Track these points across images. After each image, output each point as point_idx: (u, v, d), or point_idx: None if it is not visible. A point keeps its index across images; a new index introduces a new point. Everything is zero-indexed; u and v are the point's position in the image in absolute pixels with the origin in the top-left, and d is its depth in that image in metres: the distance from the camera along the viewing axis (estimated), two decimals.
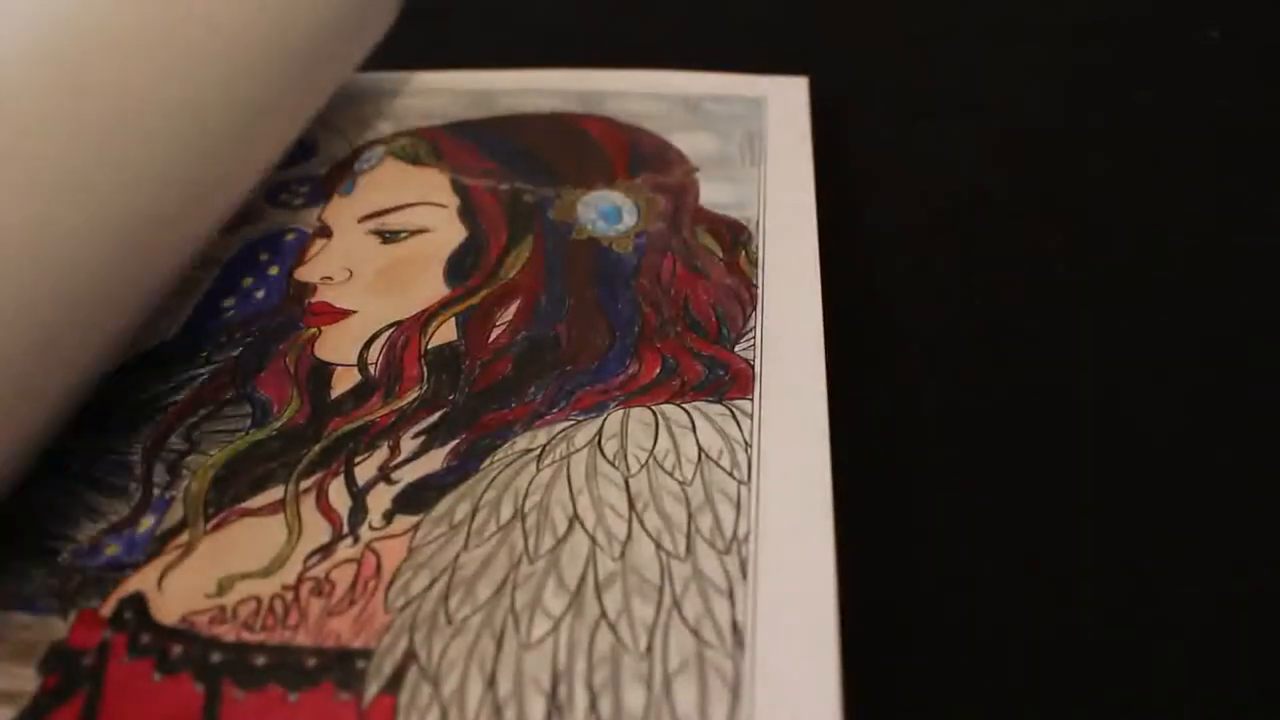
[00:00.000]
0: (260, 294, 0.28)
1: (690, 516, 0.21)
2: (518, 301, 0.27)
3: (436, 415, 0.24)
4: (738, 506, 0.21)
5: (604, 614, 0.19)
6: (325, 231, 0.30)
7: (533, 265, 0.28)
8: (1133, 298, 0.28)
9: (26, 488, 0.23)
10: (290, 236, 0.30)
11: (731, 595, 0.20)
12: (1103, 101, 0.37)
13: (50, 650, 0.20)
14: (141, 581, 0.21)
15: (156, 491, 0.23)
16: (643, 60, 0.37)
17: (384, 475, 0.22)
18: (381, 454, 0.23)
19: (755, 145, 0.32)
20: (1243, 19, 0.41)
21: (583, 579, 0.20)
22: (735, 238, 0.29)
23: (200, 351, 0.26)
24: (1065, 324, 0.27)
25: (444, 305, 0.27)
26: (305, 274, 0.28)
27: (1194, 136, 0.35)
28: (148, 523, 0.22)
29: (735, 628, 0.19)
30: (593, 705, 0.18)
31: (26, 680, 0.19)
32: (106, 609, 0.20)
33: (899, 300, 0.28)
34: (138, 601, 0.20)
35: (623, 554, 0.20)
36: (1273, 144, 0.34)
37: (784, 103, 0.34)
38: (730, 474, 0.22)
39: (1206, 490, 0.23)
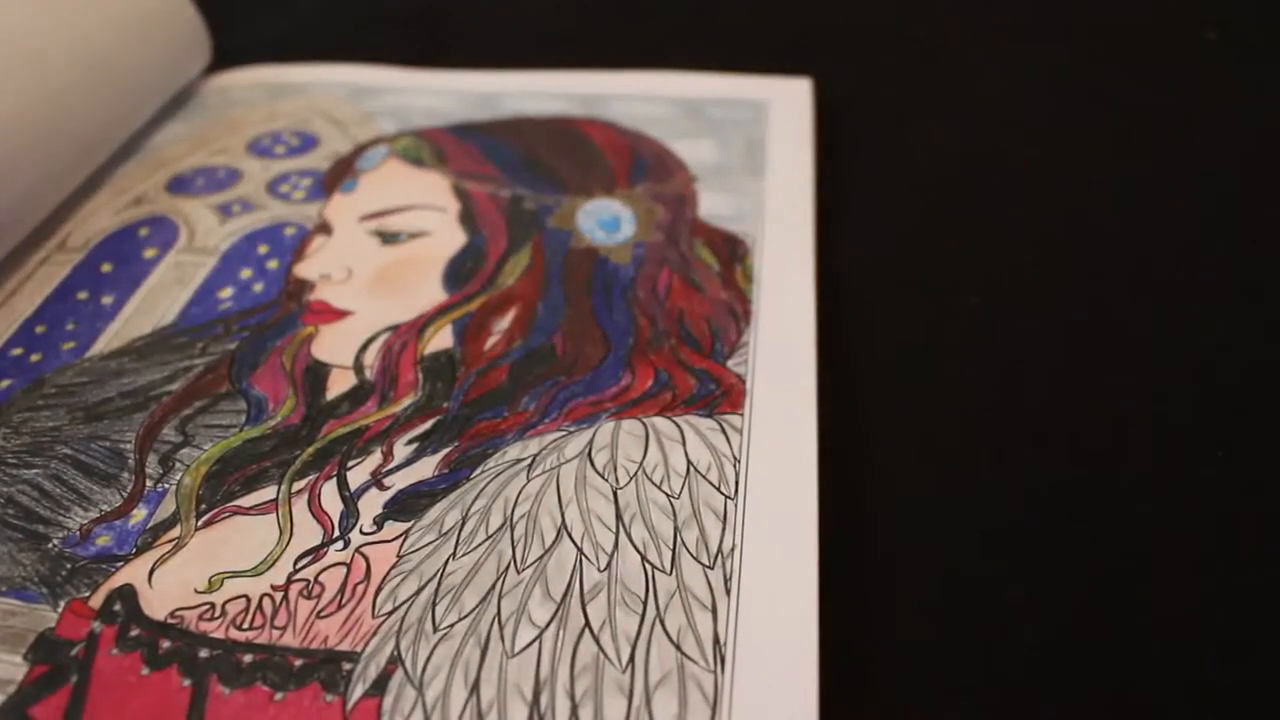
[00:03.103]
0: (258, 287, 0.28)
1: (677, 530, 0.21)
2: (515, 310, 0.27)
3: (430, 423, 0.24)
4: (724, 521, 0.22)
5: (588, 625, 0.20)
6: (325, 228, 0.30)
7: (531, 273, 0.28)
8: (1136, 302, 0.28)
9: (18, 468, 0.23)
10: (290, 231, 0.30)
11: (714, 610, 0.20)
12: (1102, 102, 0.37)
13: (39, 639, 0.20)
14: (132, 574, 0.21)
15: (149, 483, 0.23)
16: (646, 57, 0.38)
17: (376, 481, 0.23)
18: (374, 459, 0.23)
19: (756, 155, 0.33)
20: (1241, 20, 0.41)
21: (568, 589, 0.20)
22: (732, 251, 0.29)
23: (196, 342, 0.26)
24: (1067, 335, 0.27)
25: (441, 311, 0.27)
26: (304, 270, 0.28)
27: (1193, 135, 0.35)
28: (140, 515, 0.22)
29: (717, 642, 0.19)
30: (574, 714, 0.18)
31: (14, 668, 0.20)
32: (96, 600, 0.21)
33: (893, 314, 0.29)
34: (128, 594, 0.21)
35: (609, 565, 0.21)
36: (1272, 143, 0.34)
37: (787, 107, 0.35)
38: (718, 488, 0.22)
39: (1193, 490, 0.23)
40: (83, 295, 0.28)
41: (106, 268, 0.29)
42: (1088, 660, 0.20)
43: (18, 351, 0.26)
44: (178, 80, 0.35)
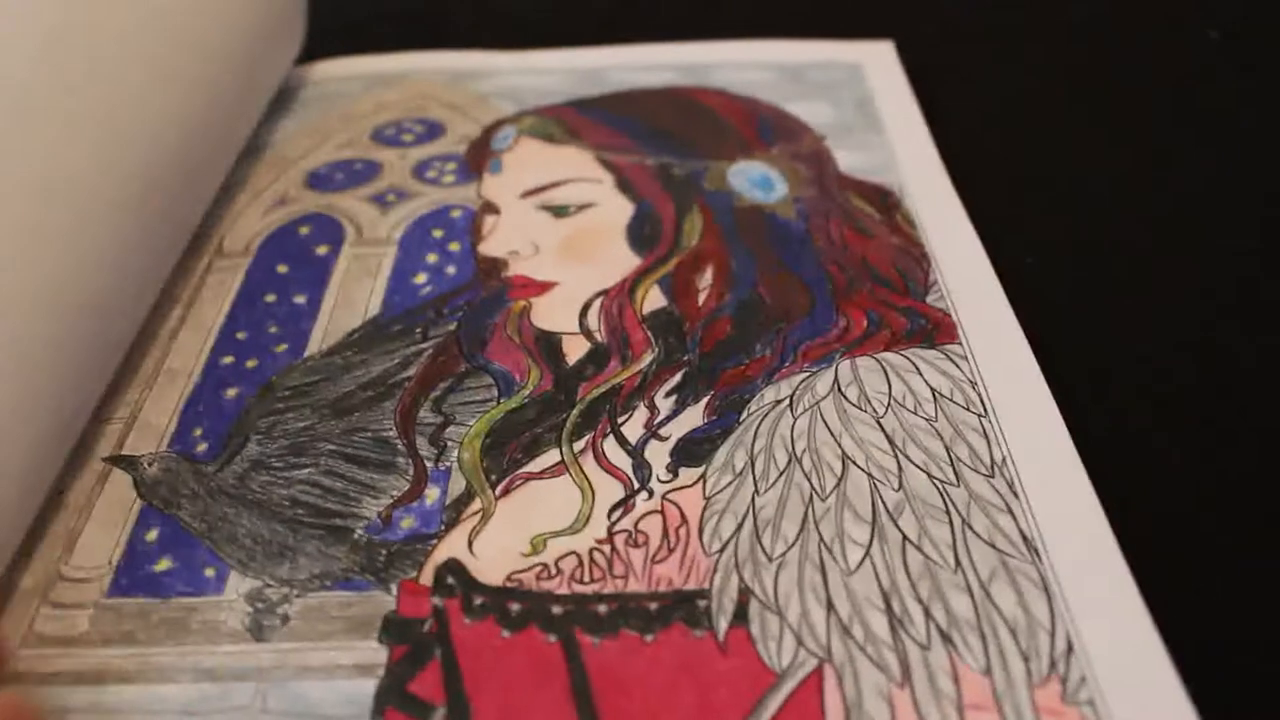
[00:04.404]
0: (451, 270, 0.28)
1: (948, 447, 0.23)
2: (710, 266, 0.28)
3: (679, 375, 0.25)
4: (985, 436, 0.23)
5: (906, 538, 0.21)
6: (492, 208, 0.30)
7: (710, 232, 0.29)
8: (1138, 300, 0.29)
9: (283, 469, 0.23)
10: (456, 214, 0.30)
11: (1011, 511, 0.22)
12: (1103, 101, 0.38)
13: (386, 622, 0.20)
14: (450, 549, 0.21)
15: (429, 464, 0.23)
16: (666, 33, 0.38)
17: (653, 433, 0.23)
18: (641, 414, 0.24)
19: (869, 112, 0.34)
20: (1243, 19, 0.42)
21: (874, 509, 0.22)
22: (884, 200, 0.31)
23: (414, 327, 0.26)
24: (1072, 335, 0.27)
25: (643, 273, 0.28)
26: (490, 249, 0.29)
27: (1195, 134, 0.36)
28: (434, 494, 0.22)
29: (1025, 539, 0.21)
30: (928, 616, 0.20)
31: (374, 652, 0.20)
32: (425, 577, 0.21)
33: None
34: (455, 567, 0.21)
35: (901, 485, 0.22)
36: (1272, 143, 0.36)
37: (879, 67, 0.37)
38: (968, 409, 0.24)
39: None
40: (271, 297, 0.27)
41: (283, 268, 0.28)
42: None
43: (229, 360, 0.26)
44: (284, 65, 0.34)
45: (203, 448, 0.23)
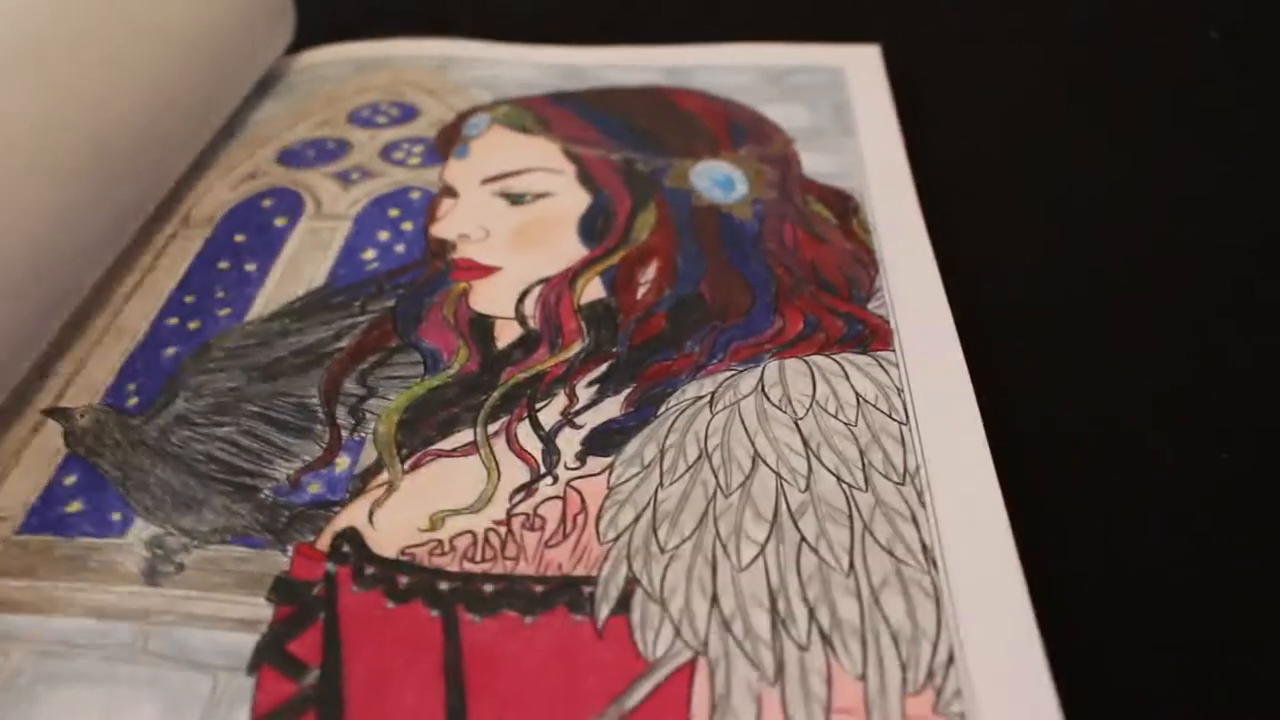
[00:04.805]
0: (400, 248, 0.28)
1: (862, 453, 0.23)
2: (656, 262, 0.28)
3: (604, 366, 0.25)
4: (903, 444, 0.23)
5: (804, 539, 0.21)
6: (450, 191, 0.31)
7: (662, 229, 0.29)
8: (1136, 300, 0.29)
9: (205, 426, 0.23)
10: (415, 195, 0.31)
11: (915, 520, 0.21)
12: (1101, 102, 0.38)
13: (278, 581, 0.20)
14: (351, 517, 0.22)
15: (345, 433, 0.23)
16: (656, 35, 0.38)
17: (568, 420, 0.24)
18: (560, 401, 0.24)
19: (844, 116, 0.34)
20: (1243, 19, 0.42)
21: (777, 509, 0.22)
22: (844, 205, 0.30)
23: (354, 300, 0.27)
24: (1068, 340, 0.27)
25: (587, 264, 0.28)
26: (441, 231, 0.29)
27: (1195, 133, 0.36)
28: (344, 463, 0.23)
29: (925, 548, 0.21)
30: (812, 617, 0.20)
31: (259, 609, 0.20)
32: (323, 542, 0.21)
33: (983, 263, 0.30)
34: (353, 536, 0.21)
35: (808, 487, 0.22)
36: (1271, 144, 0.35)
37: (862, 72, 0.36)
38: (890, 416, 0.24)
39: None
40: (224, 265, 0.28)
41: (240, 238, 0.29)
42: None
43: (174, 321, 0.26)
44: (269, 55, 0.35)
45: (134, 402, 0.24)
